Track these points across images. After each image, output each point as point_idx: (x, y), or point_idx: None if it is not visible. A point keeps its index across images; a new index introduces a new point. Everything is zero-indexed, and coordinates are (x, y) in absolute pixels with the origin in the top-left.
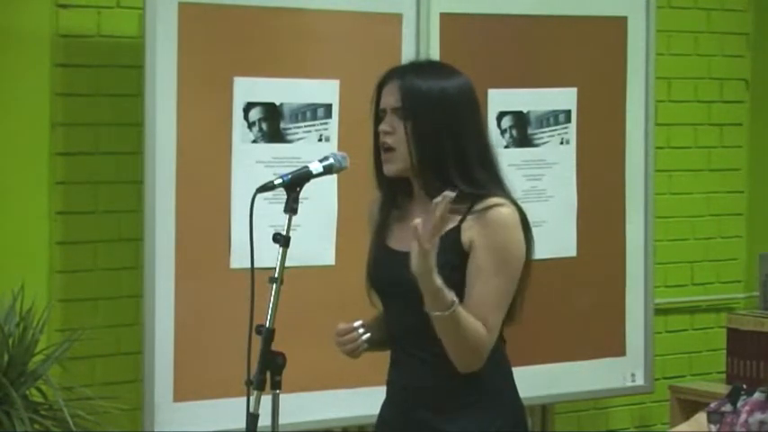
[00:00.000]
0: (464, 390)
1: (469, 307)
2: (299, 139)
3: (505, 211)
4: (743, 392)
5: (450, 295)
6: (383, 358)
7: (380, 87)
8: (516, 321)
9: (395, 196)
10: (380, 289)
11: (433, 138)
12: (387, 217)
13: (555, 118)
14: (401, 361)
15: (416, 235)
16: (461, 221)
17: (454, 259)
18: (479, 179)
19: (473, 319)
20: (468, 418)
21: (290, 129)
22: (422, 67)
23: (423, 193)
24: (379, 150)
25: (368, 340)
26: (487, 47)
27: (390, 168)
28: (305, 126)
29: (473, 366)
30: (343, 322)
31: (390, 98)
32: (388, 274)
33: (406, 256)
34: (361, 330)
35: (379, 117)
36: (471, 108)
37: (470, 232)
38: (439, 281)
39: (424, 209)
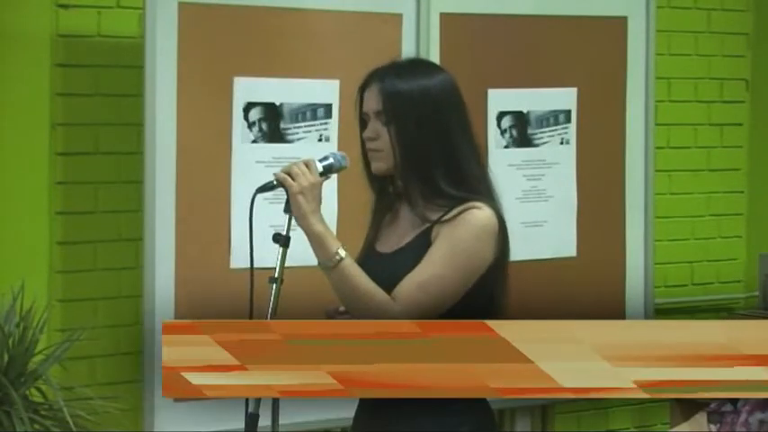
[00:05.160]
0: None
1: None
2: (299, 139)
3: (478, 213)
4: None
5: (336, 247)
6: None
7: (362, 91)
8: None
9: (390, 200)
10: None
11: (417, 139)
12: (380, 221)
13: (555, 118)
14: None
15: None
16: (434, 223)
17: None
18: (468, 179)
19: (373, 284)
20: (438, 419)
21: (290, 129)
22: (402, 67)
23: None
24: (367, 155)
25: None
26: (487, 47)
27: (378, 167)
28: (305, 126)
29: None
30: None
31: (372, 102)
32: (370, 276)
33: (387, 256)
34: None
35: (363, 121)
36: (455, 105)
37: (438, 229)
38: (321, 227)
39: (408, 213)
